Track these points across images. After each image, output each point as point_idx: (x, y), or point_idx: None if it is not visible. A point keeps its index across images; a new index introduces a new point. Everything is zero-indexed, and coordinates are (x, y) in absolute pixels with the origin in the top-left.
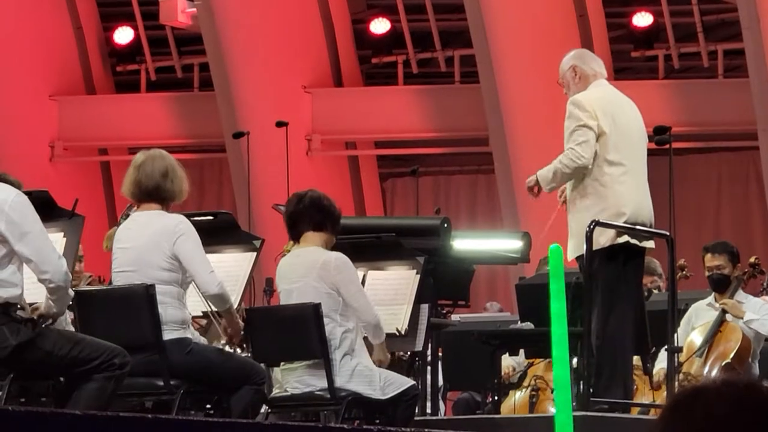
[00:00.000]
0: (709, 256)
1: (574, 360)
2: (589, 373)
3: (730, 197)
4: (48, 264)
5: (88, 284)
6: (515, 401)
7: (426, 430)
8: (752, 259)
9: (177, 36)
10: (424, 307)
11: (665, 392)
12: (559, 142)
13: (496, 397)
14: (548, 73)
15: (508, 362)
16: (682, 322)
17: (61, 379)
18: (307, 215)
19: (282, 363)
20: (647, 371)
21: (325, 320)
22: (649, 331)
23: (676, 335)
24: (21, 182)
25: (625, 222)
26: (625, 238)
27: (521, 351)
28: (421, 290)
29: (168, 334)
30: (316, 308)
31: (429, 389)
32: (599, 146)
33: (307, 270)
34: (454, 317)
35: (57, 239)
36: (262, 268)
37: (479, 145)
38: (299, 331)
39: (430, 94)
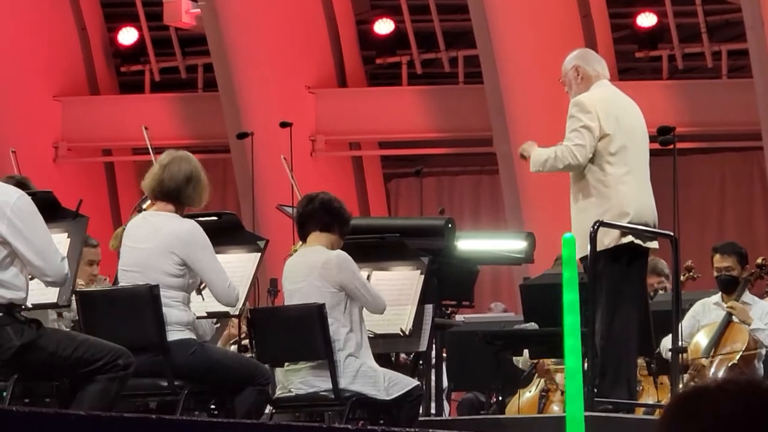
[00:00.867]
0: (718, 256)
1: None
2: (594, 374)
3: (734, 197)
4: (50, 267)
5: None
6: (520, 402)
7: (430, 430)
8: (759, 260)
9: (181, 36)
10: (429, 308)
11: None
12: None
13: (500, 398)
14: (552, 74)
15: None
16: (688, 315)
17: (66, 379)
18: (316, 216)
19: (286, 363)
20: (652, 372)
21: (330, 320)
22: (653, 331)
23: (680, 335)
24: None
25: (628, 222)
26: (629, 239)
27: (525, 351)
28: (426, 291)
29: (172, 335)
30: (320, 309)
31: (433, 390)
32: (602, 147)
33: (309, 270)
34: (459, 317)
35: (61, 240)
36: (266, 268)
37: (483, 146)
38: (303, 332)
39: (434, 94)
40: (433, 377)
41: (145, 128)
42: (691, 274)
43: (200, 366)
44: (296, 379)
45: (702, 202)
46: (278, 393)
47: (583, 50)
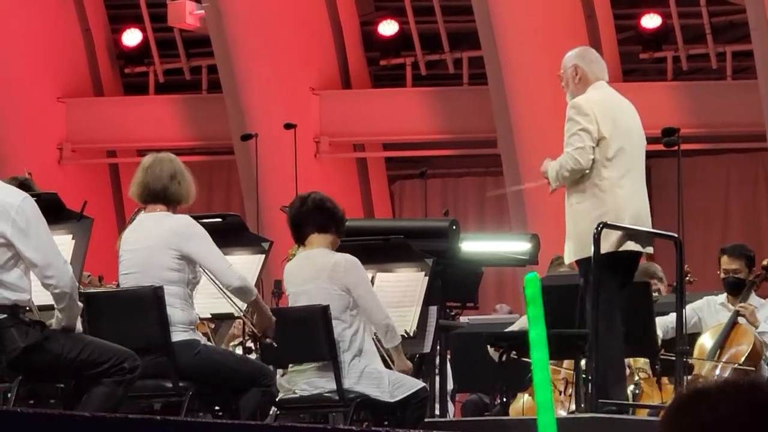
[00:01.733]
0: (726, 258)
1: (583, 362)
2: (597, 375)
3: (739, 199)
4: (53, 269)
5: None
6: (524, 403)
7: None
8: (765, 262)
9: (185, 38)
10: (433, 309)
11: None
12: None
13: (504, 399)
14: (556, 75)
15: None
16: (689, 307)
17: (70, 381)
18: (311, 217)
19: (290, 365)
20: (656, 373)
21: (335, 322)
22: (658, 332)
23: (684, 336)
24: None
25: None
26: (627, 246)
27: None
28: (430, 292)
29: (176, 336)
30: (324, 310)
31: (438, 391)
32: (599, 150)
33: (317, 272)
34: (463, 319)
35: (65, 242)
36: (270, 270)
37: (487, 147)
38: (308, 333)
39: (439, 96)
40: (437, 379)
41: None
42: (687, 278)
43: (205, 367)
44: (301, 381)
45: (707, 204)
46: (282, 394)
47: (584, 49)
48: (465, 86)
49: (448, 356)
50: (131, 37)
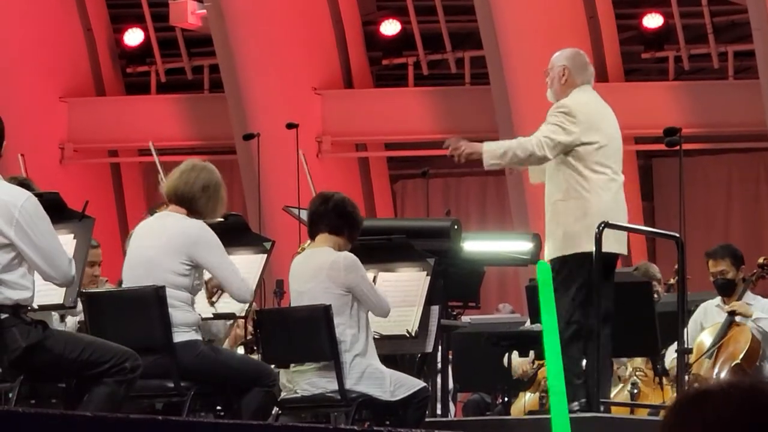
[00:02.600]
0: (711, 262)
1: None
2: (598, 375)
3: (741, 198)
4: (56, 268)
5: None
6: (525, 402)
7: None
8: (761, 260)
9: (187, 37)
10: (435, 309)
11: (674, 394)
12: None
13: (506, 399)
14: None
15: (523, 360)
16: (691, 321)
17: (72, 381)
18: (327, 217)
19: (292, 365)
20: (658, 372)
21: (336, 322)
22: (659, 332)
23: (685, 336)
24: (34, 185)
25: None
26: (612, 248)
27: (531, 352)
28: (432, 292)
29: (178, 336)
30: (326, 310)
31: (439, 391)
32: (586, 153)
33: (316, 271)
34: (465, 319)
35: (67, 241)
36: (272, 269)
37: None
38: (310, 333)
39: (441, 95)
40: (438, 378)
41: (152, 144)
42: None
43: (206, 367)
44: (302, 380)
45: (708, 203)
46: (284, 394)
47: (575, 52)
48: (467, 86)
49: (450, 356)
50: (133, 37)
